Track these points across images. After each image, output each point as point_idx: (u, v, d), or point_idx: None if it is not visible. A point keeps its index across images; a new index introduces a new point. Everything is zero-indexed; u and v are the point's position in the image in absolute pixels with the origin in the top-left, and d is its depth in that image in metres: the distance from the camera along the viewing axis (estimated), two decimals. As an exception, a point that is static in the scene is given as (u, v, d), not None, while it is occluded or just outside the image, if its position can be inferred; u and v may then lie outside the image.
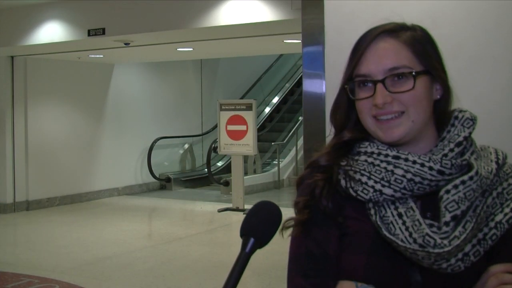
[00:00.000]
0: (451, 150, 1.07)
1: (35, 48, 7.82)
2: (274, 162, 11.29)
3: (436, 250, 1.00)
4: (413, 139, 1.10)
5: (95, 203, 9.53)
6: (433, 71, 1.09)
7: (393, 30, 1.10)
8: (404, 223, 1.04)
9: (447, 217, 1.02)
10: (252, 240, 0.98)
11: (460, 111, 1.12)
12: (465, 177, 1.03)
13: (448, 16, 1.79)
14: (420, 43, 1.10)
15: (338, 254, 1.11)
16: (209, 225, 7.89)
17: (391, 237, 1.04)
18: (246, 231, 1.00)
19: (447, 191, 1.03)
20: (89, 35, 6.91)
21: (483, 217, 1.03)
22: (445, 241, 1.00)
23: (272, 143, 11.16)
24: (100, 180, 9.92)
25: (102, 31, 6.80)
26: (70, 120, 9.44)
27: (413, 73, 1.06)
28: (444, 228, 1.02)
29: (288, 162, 11.17)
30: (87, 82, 9.70)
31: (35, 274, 5.35)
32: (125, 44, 7.23)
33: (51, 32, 7.23)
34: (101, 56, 8.81)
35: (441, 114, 1.12)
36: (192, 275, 5.34)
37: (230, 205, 8.62)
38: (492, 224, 1.03)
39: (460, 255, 1.01)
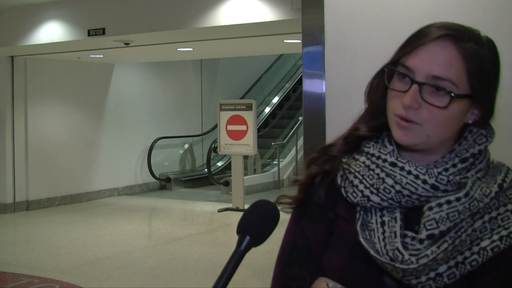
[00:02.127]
0: (454, 165, 1.01)
1: (35, 48, 7.82)
2: (274, 162, 11.29)
3: (402, 266, 0.97)
4: (427, 150, 1.05)
5: (95, 203, 9.53)
6: (477, 96, 1.01)
7: (459, 38, 1.01)
8: (383, 232, 1.02)
9: (423, 234, 0.98)
10: (247, 238, 0.98)
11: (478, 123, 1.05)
12: (452, 197, 0.98)
13: (448, 16, 1.78)
14: (480, 63, 1.01)
15: (323, 251, 1.10)
16: (209, 225, 7.89)
17: (366, 245, 1.02)
18: (242, 229, 1.00)
19: (430, 208, 0.99)
20: (89, 35, 6.91)
21: (465, 240, 0.98)
22: (413, 258, 0.97)
23: (272, 143, 11.17)
24: (100, 180, 9.92)
25: (102, 31, 6.80)
26: (70, 120, 9.44)
27: (452, 94, 0.98)
28: (418, 245, 0.98)
29: (288, 162, 11.17)
30: (87, 82, 9.70)
31: (35, 274, 5.35)
32: (125, 44, 7.23)
33: (51, 32, 7.23)
34: (101, 56, 8.81)
35: (464, 132, 1.05)
36: (192, 275, 5.34)
37: (230, 205, 8.62)
38: (475, 249, 0.97)
39: (432, 275, 0.97)
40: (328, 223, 1.11)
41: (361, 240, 1.03)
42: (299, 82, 12.67)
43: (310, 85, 2.10)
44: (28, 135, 8.81)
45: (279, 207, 1.10)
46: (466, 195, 0.98)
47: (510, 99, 1.73)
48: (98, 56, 8.79)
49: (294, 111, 12.49)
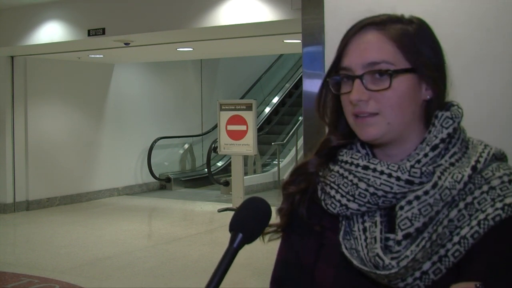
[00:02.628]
0: (426, 155, 0.99)
1: (35, 48, 7.82)
2: (274, 162, 11.29)
3: (383, 272, 0.95)
4: (397, 140, 1.03)
5: (95, 203, 9.53)
6: (420, 69, 1.00)
7: (381, 23, 1.03)
8: (366, 239, 1.00)
9: (399, 235, 0.96)
10: (240, 235, 0.98)
11: (444, 107, 1.04)
12: (419, 192, 0.96)
13: (448, 16, 1.79)
14: (410, 38, 1.01)
15: (314, 264, 1.09)
16: (209, 225, 7.89)
17: (349, 256, 1.01)
18: (234, 226, 1.00)
19: (401, 208, 0.97)
20: (89, 35, 6.91)
21: (443, 232, 0.95)
22: (393, 262, 0.94)
23: (272, 143, 11.17)
24: (100, 180, 9.92)
25: (102, 31, 6.80)
26: (70, 120, 9.44)
27: (390, 71, 0.98)
28: (396, 247, 0.96)
29: (288, 162, 11.17)
30: (87, 82, 9.70)
31: (35, 274, 5.35)
32: (125, 44, 7.23)
33: (51, 32, 7.23)
34: (101, 56, 8.81)
35: (431, 115, 1.04)
36: (192, 275, 5.34)
37: (230, 205, 8.62)
38: (456, 239, 0.94)
39: (417, 274, 0.95)
40: (317, 236, 1.10)
41: (344, 251, 1.02)
42: (295, 86, 12.68)
43: (310, 85, 2.10)
44: (28, 135, 8.81)
45: (266, 238, 1.11)
46: (434, 186, 0.96)
47: (511, 99, 1.73)
48: (98, 56, 8.79)
49: (291, 116, 12.48)
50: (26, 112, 8.81)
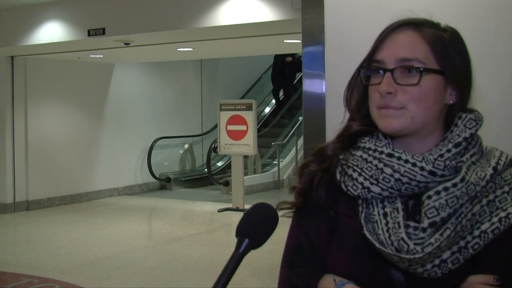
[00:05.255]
0: (448, 150, 1.05)
1: (35, 48, 7.82)
2: (274, 162, 11.29)
3: (408, 256, 0.99)
4: (416, 134, 1.07)
5: (95, 203, 9.53)
6: (449, 73, 1.06)
7: (418, 24, 1.09)
8: (387, 223, 1.04)
9: (425, 223, 1.01)
10: (246, 240, 1.00)
11: (466, 110, 1.09)
12: (448, 184, 1.01)
13: (448, 16, 1.79)
14: (443, 43, 1.07)
15: (326, 249, 1.12)
16: (209, 225, 7.89)
17: (370, 238, 1.04)
18: (241, 231, 1.01)
19: (429, 197, 1.02)
20: (89, 35, 6.91)
21: (466, 225, 1.01)
22: (418, 248, 0.99)
23: (272, 143, 11.17)
24: (100, 180, 9.92)
25: (102, 31, 6.80)
26: (70, 120, 9.44)
27: (421, 69, 1.04)
28: (421, 234, 1.01)
29: (288, 162, 11.17)
30: (87, 82, 9.70)
31: (35, 274, 5.35)
32: (125, 44, 7.23)
33: (51, 32, 7.23)
34: (101, 56, 8.80)
35: (452, 120, 1.09)
36: (192, 275, 5.34)
37: (230, 205, 8.62)
38: (476, 232, 1.01)
39: (437, 261, 1.00)
40: (329, 221, 1.13)
41: (366, 233, 1.05)
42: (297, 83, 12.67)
43: (310, 85, 2.10)
44: (28, 135, 8.81)
45: (280, 213, 1.13)
46: (462, 180, 1.01)
47: (511, 99, 1.73)
48: (98, 56, 8.79)
49: (288, 118, 12.49)
50: (26, 112, 8.81)
